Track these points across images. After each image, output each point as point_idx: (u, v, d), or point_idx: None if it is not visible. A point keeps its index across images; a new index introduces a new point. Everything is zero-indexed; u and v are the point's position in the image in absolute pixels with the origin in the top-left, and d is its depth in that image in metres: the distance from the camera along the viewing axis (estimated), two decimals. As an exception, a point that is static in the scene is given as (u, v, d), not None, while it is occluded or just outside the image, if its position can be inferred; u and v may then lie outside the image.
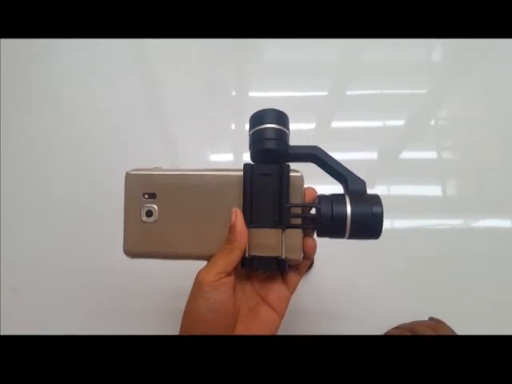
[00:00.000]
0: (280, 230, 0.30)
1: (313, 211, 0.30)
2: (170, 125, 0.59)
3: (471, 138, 0.57)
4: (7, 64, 0.62)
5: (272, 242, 0.30)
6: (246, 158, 0.56)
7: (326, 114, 0.59)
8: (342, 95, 0.61)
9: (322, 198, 0.30)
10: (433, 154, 0.56)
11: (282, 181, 0.30)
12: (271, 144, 0.30)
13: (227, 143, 0.57)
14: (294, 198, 0.30)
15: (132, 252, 0.31)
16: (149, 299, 0.47)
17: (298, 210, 0.30)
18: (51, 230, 0.51)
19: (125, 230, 0.31)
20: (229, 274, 0.28)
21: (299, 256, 0.30)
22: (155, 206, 0.30)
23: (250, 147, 0.32)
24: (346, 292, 0.47)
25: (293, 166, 0.31)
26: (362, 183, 0.31)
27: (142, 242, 0.31)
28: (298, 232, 0.30)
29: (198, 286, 0.28)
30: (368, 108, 0.58)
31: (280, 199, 0.29)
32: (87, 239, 0.50)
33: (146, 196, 0.31)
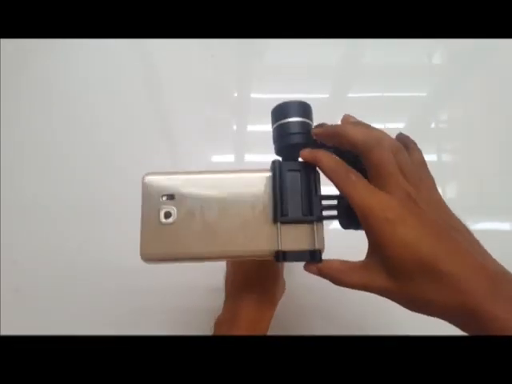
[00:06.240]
0: (311, 223, 0.30)
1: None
2: (172, 125, 0.59)
3: (471, 141, 0.57)
4: (7, 64, 0.62)
5: (303, 234, 0.30)
6: (248, 158, 0.57)
7: (326, 116, 0.59)
8: (343, 97, 0.61)
9: None
10: (433, 157, 0.56)
11: (311, 175, 0.29)
12: (297, 138, 0.30)
13: (229, 144, 0.57)
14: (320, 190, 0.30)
15: (150, 255, 0.30)
16: (153, 299, 0.47)
17: (324, 201, 0.30)
18: (52, 229, 0.51)
19: (142, 234, 0.30)
20: None
21: (323, 245, 0.30)
22: (174, 208, 0.30)
23: (274, 142, 0.31)
24: (343, 290, 0.47)
25: None
26: None
27: (159, 245, 0.30)
28: (322, 222, 0.30)
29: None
30: (369, 110, 0.58)
31: (309, 193, 0.30)
32: (88, 239, 0.50)
33: (164, 198, 0.30)
